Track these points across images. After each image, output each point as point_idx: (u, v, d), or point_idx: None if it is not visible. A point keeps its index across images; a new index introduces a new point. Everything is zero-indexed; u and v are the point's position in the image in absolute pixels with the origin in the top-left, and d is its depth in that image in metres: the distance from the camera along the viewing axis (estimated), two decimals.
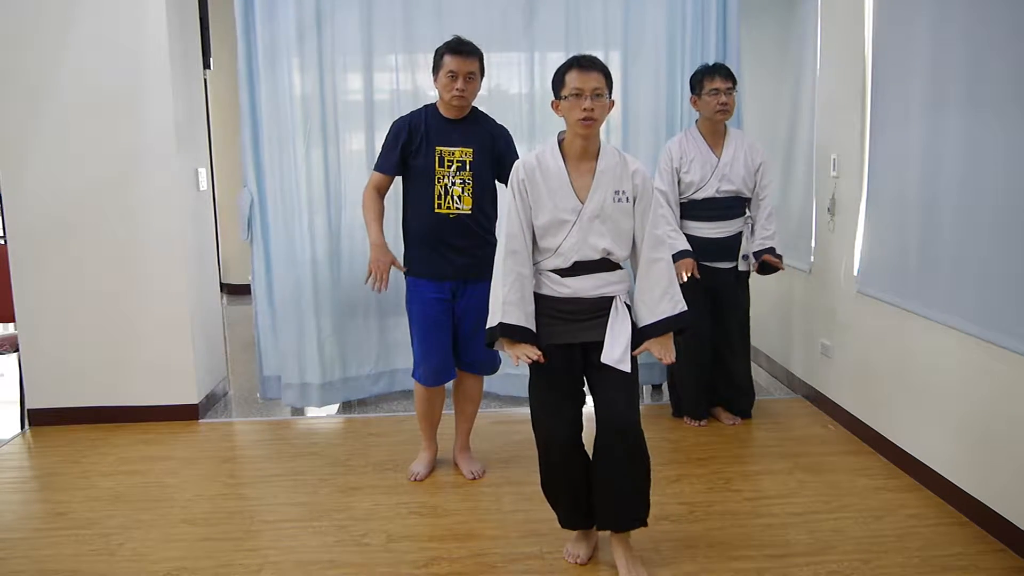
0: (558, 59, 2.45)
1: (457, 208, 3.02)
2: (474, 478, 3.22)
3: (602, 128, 2.52)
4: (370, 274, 3.08)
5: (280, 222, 4.04)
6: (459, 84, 2.96)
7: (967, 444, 2.93)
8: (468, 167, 3.02)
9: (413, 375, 3.24)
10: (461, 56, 2.95)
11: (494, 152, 3.08)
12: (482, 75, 3.05)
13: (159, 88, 3.81)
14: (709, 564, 2.65)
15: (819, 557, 2.68)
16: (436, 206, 3.03)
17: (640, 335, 2.47)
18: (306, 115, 3.97)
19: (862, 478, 3.27)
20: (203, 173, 4.24)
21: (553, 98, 2.44)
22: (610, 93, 2.40)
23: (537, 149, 2.51)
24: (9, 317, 4.01)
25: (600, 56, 2.57)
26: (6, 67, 3.77)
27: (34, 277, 3.91)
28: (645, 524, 2.51)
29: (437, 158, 3.02)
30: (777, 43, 4.51)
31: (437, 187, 3.01)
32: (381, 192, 3.15)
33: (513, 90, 4.14)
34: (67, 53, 3.77)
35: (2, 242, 4.36)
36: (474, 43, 3.03)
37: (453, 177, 3.01)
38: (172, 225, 3.92)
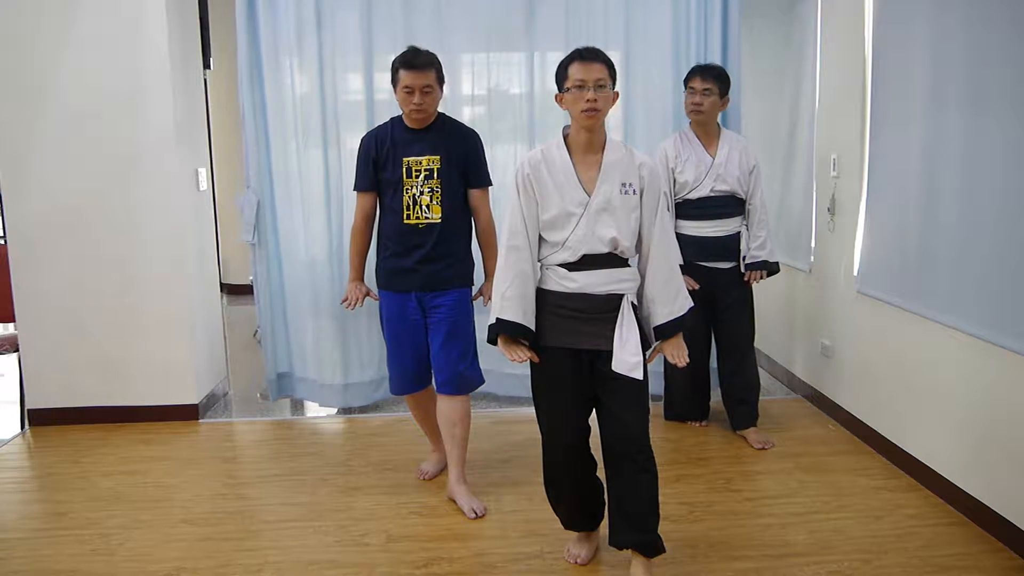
0: (558, 59, 2.44)
1: (427, 218, 3.00)
2: (476, 516, 2.98)
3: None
4: (345, 299, 3.20)
5: (282, 222, 4.04)
6: (416, 98, 2.93)
7: (967, 444, 2.93)
8: (436, 175, 2.98)
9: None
10: (415, 70, 2.91)
11: (462, 157, 3.03)
12: (441, 83, 3.00)
13: (159, 88, 3.81)
14: (709, 564, 2.65)
15: (819, 557, 2.68)
16: (405, 216, 3.01)
17: (650, 334, 2.45)
18: (307, 115, 3.98)
19: (862, 478, 3.27)
20: (203, 173, 4.24)
21: (557, 91, 2.43)
22: (614, 84, 2.38)
23: (542, 144, 2.50)
24: (9, 317, 4.01)
25: None
26: (6, 67, 3.77)
27: (34, 277, 3.91)
28: (664, 550, 2.47)
29: (405, 169, 2.99)
30: (778, 43, 4.51)
31: (405, 197, 2.99)
32: (369, 216, 3.14)
33: (513, 90, 4.13)
34: (67, 53, 3.77)
35: (2, 242, 4.36)
36: (427, 51, 2.99)
37: (421, 187, 2.98)
38: (172, 225, 3.92)
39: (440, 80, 2.99)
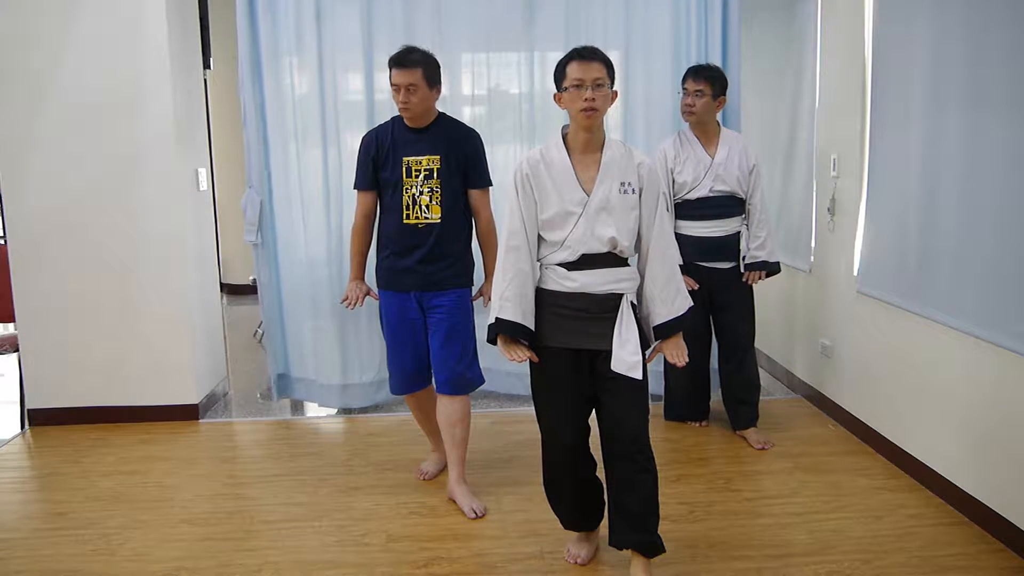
0: (558, 59, 2.44)
1: (426, 218, 2.99)
2: (476, 516, 2.98)
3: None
4: (346, 298, 3.20)
5: (282, 222, 4.04)
6: (401, 96, 2.93)
7: (967, 444, 2.93)
8: (436, 175, 2.98)
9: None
10: (400, 68, 2.92)
11: (462, 158, 3.02)
12: (431, 82, 2.96)
13: (159, 88, 3.81)
14: (709, 564, 2.65)
15: (819, 557, 2.68)
16: (405, 216, 3.00)
17: (649, 335, 2.46)
18: (306, 115, 3.98)
19: (862, 478, 3.27)
20: (203, 173, 4.24)
21: (555, 91, 2.43)
22: (612, 83, 2.38)
23: (542, 145, 2.50)
24: (9, 317, 4.01)
25: None
26: (6, 67, 3.77)
27: (34, 277, 3.91)
28: (664, 550, 2.47)
29: (404, 169, 2.99)
30: (778, 43, 4.51)
31: (405, 197, 2.99)
32: (369, 215, 3.14)
33: (513, 90, 4.13)
34: (67, 53, 3.77)
35: (2, 242, 4.36)
36: (423, 51, 2.99)
37: (421, 186, 2.98)
38: (172, 225, 3.92)
39: (429, 79, 2.95)
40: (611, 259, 2.40)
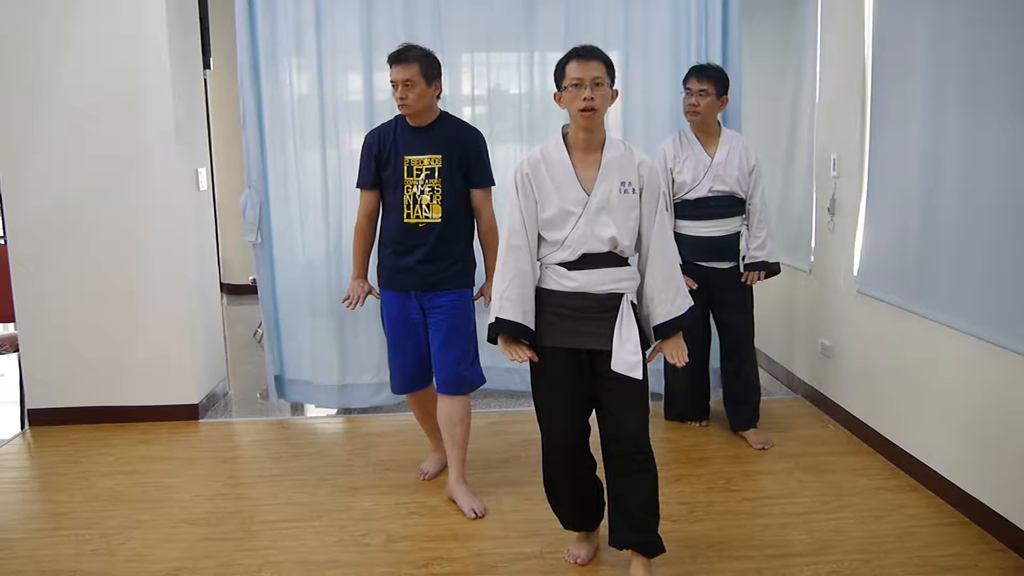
0: (558, 59, 2.44)
1: (427, 217, 2.99)
2: (476, 516, 2.98)
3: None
4: (347, 297, 3.21)
5: (282, 223, 4.04)
6: (399, 92, 2.94)
7: (967, 444, 2.93)
8: (437, 174, 2.98)
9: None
10: (397, 64, 2.93)
11: (464, 157, 3.02)
12: (429, 78, 2.95)
13: (159, 88, 3.81)
14: (709, 564, 2.65)
15: (819, 557, 2.68)
16: (405, 216, 3.00)
17: (650, 334, 2.46)
18: (306, 115, 3.98)
19: (862, 478, 3.27)
20: (203, 173, 4.24)
21: (555, 91, 2.43)
22: (612, 82, 2.38)
23: (542, 144, 2.49)
24: (9, 317, 4.02)
25: None
26: (6, 67, 3.77)
27: (34, 277, 3.91)
28: (664, 550, 2.48)
29: (406, 168, 2.99)
30: (778, 43, 4.51)
31: (406, 196, 2.99)
32: (371, 214, 3.14)
33: (513, 90, 4.14)
34: (67, 53, 3.77)
35: (2, 242, 4.36)
36: (421, 47, 2.99)
37: (422, 186, 2.98)
38: (172, 225, 3.92)
39: (426, 75, 2.94)
40: (611, 259, 2.40)
